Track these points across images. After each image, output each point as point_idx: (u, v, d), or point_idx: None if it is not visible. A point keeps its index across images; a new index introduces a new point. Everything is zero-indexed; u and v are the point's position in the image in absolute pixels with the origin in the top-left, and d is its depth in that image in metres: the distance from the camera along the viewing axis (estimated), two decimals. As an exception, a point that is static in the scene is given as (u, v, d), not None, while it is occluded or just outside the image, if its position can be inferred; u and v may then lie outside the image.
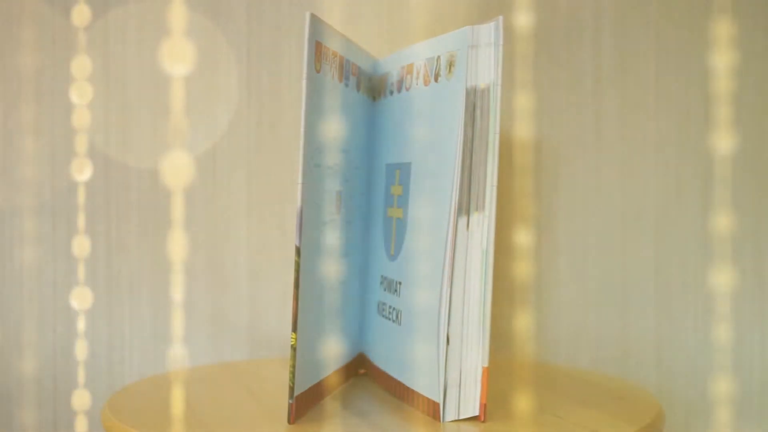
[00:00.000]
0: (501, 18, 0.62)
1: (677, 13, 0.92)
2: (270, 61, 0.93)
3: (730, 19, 0.40)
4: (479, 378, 0.63)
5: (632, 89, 0.92)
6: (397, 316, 0.69)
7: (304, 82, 0.60)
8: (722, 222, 0.40)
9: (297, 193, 0.61)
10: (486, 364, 0.63)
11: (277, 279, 0.92)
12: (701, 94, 0.92)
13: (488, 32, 0.62)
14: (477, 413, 0.63)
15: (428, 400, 0.64)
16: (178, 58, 0.35)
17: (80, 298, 0.57)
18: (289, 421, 0.61)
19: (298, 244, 0.60)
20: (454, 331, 0.62)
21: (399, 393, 0.68)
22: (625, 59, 0.93)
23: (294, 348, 0.60)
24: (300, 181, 0.60)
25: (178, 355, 0.35)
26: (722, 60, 0.41)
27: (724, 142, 0.42)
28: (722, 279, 0.40)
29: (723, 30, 0.41)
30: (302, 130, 0.60)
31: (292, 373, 0.60)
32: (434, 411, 0.63)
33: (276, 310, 0.92)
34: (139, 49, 0.91)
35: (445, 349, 0.62)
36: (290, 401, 0.61)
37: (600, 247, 0.93)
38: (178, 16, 0.35)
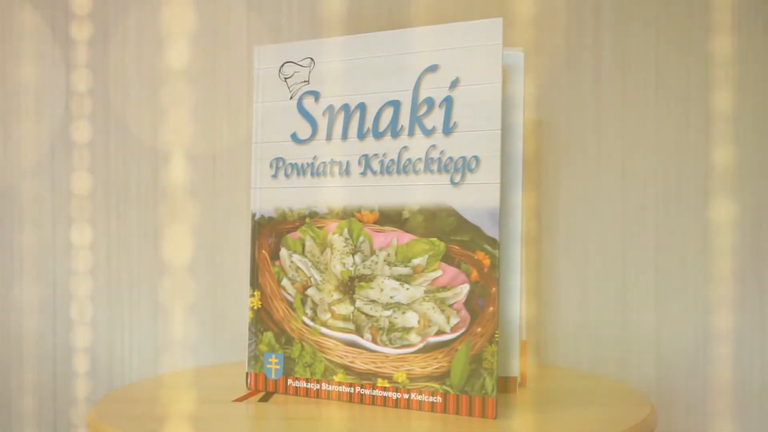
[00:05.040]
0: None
1: (677, 13, 0.91)
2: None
3: (730, 18, 0.46)
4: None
5: (632, 89, 0.93)
6: None
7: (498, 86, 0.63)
8: (722, 221, 0.42)
9: (496, 192, 0.62)
10: (524, 338, 0.75)
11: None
12: (702, 94, 0.91)
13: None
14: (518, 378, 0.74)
15: (505, 378, 0.72)
16: (178, 55, 0.37)
17: (80, 298, 0.52)
18: (495, 416, 0.62)
19: (497, 238, 0.62)
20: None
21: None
22: (625, 59, 0.93)
23: (497, 342, 0.62)
24: (499, 180, 0.62)
25: (176, 356, 0.37)
26: (723, 59, 0.40)
27: (724, 141, 0.45)
28: (722, 278, 0.42)
29: (723, 30, 0.41)
30: (499, 127, 0.63)
31: (496, 369, 0.62)
32: (512, 386, 0.72)
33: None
34: (139, 47, 0.92)
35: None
36: (494, 396, 0.62)
37: (600, 247, 0.93)
38: (178, 14, 0.38)
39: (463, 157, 0.64)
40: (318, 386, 0.70)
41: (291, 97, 0.72)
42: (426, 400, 0.65)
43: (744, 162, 0.90)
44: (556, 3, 0.93)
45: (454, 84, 0.65)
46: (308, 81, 0.72)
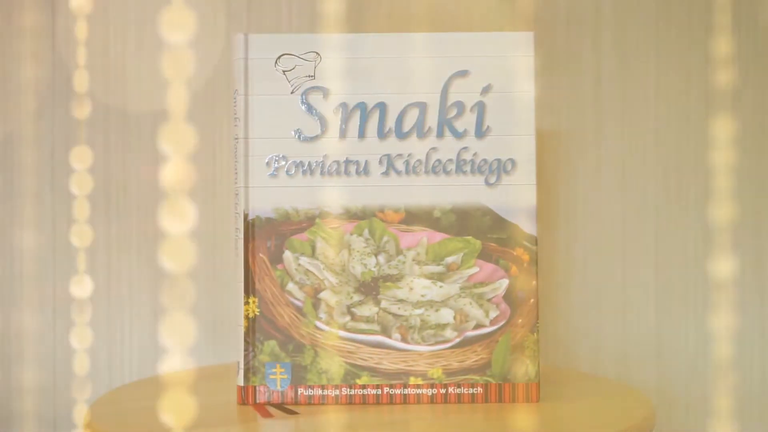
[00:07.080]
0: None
1: (677, 13, 0.91)
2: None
3: (730, 18, 0.47)
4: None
5: (632, 89, 0.92)
6: None
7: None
8: (723, 222, 0.41)
9: (533, 192, 0.67)
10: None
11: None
12: (702, 94, 0.91)
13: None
14: None
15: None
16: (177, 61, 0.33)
17: (79, 300, 0.56)
18: (538, 400, 0.68)
19: (536, 234, 0.68)
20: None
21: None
22: (625, 59, 0.92)
23: (539, 331, 0.68)
24: (535, 181, 0.68)
25: (176, 357, 0.34)
26: (723, 59, 0.40)
27: (724, 141, 0.42)
28: (723, 279, 0.40)
29: (724, 29, 0.41)
30: (534, 132, 0.68)
31: (539, 356, 0.68)
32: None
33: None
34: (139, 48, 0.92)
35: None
36: (537, 381, 0.68)
37: (600, 247, 0.92)
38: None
39: (498, 160, 0.68)
40: (337, 392, 0.67)
41: (292, 92, 0.69)
42: (465, 392, 0.67)
43: (745, 162, 0.90)
44: (556, 3, 0.92)
45: (486, 90, 0.69)
46: (313, 76, 0.69)
